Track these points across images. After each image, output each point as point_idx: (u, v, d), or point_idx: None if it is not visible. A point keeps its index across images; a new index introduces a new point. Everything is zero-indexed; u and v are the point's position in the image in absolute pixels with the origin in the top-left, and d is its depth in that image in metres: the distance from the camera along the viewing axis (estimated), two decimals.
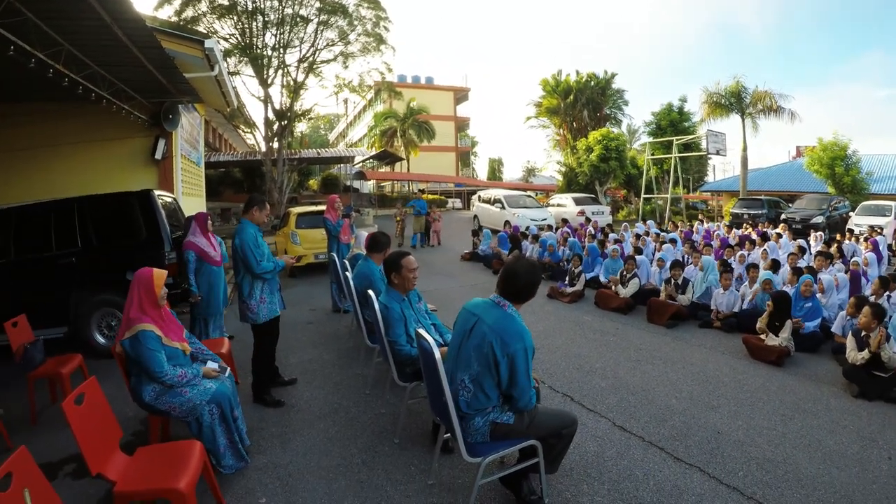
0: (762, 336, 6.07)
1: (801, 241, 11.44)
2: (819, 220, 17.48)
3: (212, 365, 3.73)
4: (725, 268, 7.67)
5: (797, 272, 7.34)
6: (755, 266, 7.90)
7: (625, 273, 8.69)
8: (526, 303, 2.95)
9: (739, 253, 9.62)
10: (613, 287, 8.67)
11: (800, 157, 33.83)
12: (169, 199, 7.44)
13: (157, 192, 6.68)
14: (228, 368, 3.94)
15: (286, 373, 5.36)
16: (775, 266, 8.27)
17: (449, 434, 3.10)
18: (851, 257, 9.41)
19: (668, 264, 8.39)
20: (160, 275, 3.52)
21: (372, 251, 5.35)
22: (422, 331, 2.99)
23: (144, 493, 2.76)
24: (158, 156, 9.73)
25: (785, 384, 5.18)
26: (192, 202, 12.02)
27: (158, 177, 9.98)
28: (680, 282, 7.80)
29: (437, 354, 2.79)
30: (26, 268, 6.29)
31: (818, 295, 6.79)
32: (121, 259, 6.31)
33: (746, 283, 7.69)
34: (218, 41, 13.55)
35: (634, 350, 6.26)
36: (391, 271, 4.14)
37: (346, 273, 5.77)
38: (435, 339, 2.90)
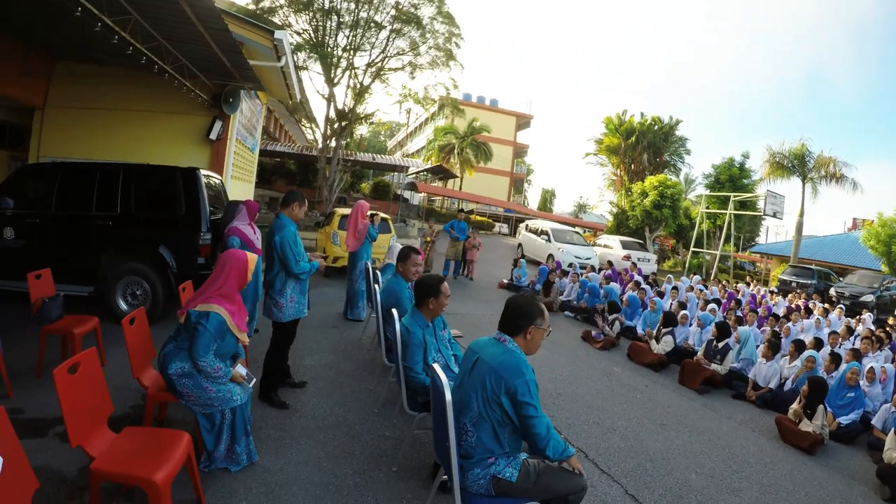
0: (796, 420, 5.66)
1: (851, 321, 10.75)
2: (869, 298, 16.64)
3: (240, 370, 3.54)
4: (774, 338, 7.22)
5: (835, 358, 6.85)
6: (800, 342, 7.41)
7: (661, 328, 8.31)
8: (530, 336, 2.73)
9: (786, 325, 9.10)
10: (648, 341, 8.30)
11: (855, 230, 32.66)
12: (216, 181, 7.46)
13: (204, 172, 6.70)
14: (255, 379, 3.72)
15: (298, 374, 5.21)
16: (818, 345, 7.75)
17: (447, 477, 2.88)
18: None
19: (707, 325, 7.98)
20: (253, 259, 3.56)
21: (398, 261, 5.19)
22: (436, 366, 2.76)
23: (119, 477, 2.66)
24: (213, 136, 9.84)
25: (814, 475, 4.80)
26: (241, 187, 12.14)
27: (210, 157, 10.08)
28: (721, 346, 7.38)
29: (449, 397, 2.56)
30: (64, 223, 6.37)
31: (862, 383, 6.31)
32: (156, 232, 6.36)
33: (788, 356, 7.21)
34: (290, 34, 13.76)
35: (661, 412, 5.89)
36: (428, 295, 3.90)
37: (376, 285, 5.58)
38: (449, 377, 2.69)
